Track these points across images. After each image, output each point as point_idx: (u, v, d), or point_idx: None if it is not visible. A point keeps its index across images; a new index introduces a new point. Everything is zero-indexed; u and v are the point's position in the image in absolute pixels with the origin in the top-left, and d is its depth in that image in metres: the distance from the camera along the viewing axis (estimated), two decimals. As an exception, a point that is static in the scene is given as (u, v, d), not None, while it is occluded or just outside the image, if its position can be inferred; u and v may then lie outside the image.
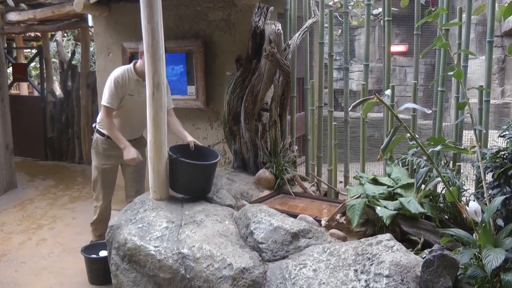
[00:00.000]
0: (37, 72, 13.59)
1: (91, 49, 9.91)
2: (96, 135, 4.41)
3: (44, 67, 9.36)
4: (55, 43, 10.89)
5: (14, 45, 11.40)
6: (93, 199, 4.66)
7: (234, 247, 3.10)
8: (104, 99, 4.13)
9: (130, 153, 4.14)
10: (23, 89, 12.57)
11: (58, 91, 10.20)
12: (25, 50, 12.78)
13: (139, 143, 4.46)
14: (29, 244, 5.07)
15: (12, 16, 6.87)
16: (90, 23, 7.17)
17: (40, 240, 5.14)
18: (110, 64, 5.63)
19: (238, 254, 3.00)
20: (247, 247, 3.14)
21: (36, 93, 10.89)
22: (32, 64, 13.00)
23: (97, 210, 4.55)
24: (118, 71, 4.19)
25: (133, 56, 5.40)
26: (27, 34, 10.42)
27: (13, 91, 12.03)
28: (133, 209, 3.74)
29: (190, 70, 5.11)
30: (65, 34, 12.53)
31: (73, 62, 9.17)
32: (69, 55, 10.24)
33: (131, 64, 4.25)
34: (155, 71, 3.62)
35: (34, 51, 11.84)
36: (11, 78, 10.37)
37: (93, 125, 4.49)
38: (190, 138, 4.15)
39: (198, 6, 5.02)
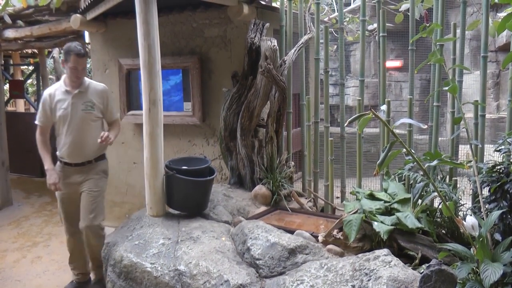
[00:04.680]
0: (34, 88, 13.60)
1: (88, 65, 9.94)
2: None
3: (41, 83, 9.36)
4: (52, 59, 10.91)
5: (11, 62, 11.43)
6: None
7: (231, 263, 3.08)
8: (36, 117, 4.08)
9: (51, 177, 3.93)
10: (20, 105, 12.56)
11: (54, 107, 10.17)
12: (22, 67, 12.80)
13: (89, 170, 4.11)
14: (24, 262, 5.02)
15: (9, 33, 6.88)
16: (87, 39, 7.19)
17: (35, 258, 5.10)
18: (107, 80, 5.64)
19: (235, 271, 2.98)
20: (244, 264, 3.12)
21: (32, 110, 10.89)
22: (29, 81, 13.01)
23: (67, 244, 4.29)
24: (50, 87, 4.10)
25: (129, 72, 5.42)
26: (24, 51, 10.45)
27: (10, 108, 12.03)
28: (129, 225, 3.72)
29: (186, 86, 5.12)
30: (62, 51, 12.56)
31: (70, 79, 9.16)
32: (66, 71, 10.25)
33: (62, 78, 4.09)
34: (152, 87, 3.63)
35: (31, 67, 11.86)
36: (8, 94, 10.38)
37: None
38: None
39: (194, 23, 5.05)
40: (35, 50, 10.08)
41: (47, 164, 3.95)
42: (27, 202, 7.27)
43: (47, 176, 3.94)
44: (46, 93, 4.02)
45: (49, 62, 11.74)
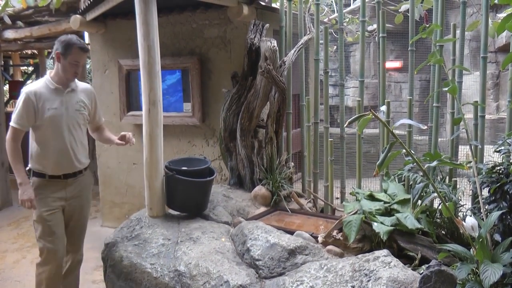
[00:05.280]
0: (33, 89, 13.59)
1: (88, 66, 9.93)
2: (33, 179, 3.41)
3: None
4: (51, 60, 10.91)
5: (11, 63, 11.42)
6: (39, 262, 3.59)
7: (231, 264, 3.08)
8: (13, 119, 3.29)
9: (25, 192, 3.27)
10: (19, 106, 12.56)
11: (54, 108, 10.15)
12: (21, 68, 12.80)
13: (81, 182, 3.56)
14: (24, 262, 5.01)
15: (9, 34, 6.88)
16: (87, 40, 7.19)
17: (35, 259, 5.05)
18: (106, 81, 5.65)
19: (234, 271, 2.98)
20: (243, 264, 3.12)
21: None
22: (29, 82, 13.00)
23: (52, 277, 3.51)
24: (33, 84, 3.41)
25: (129, 73, 5.42)
26: (24, 52, 10.45)
27: (9, 109, 12.00)
28: (129, 226, 3.72)
29: (186, 87, 5.13)
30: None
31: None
32: (66, 72, 10.23)
33: (46, 74, 3.45)
34: (151, 88, 3.63)
35: (31, 68, 11.85)
36: (8, 95, 10.37)
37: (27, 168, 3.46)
38: (118, 136, 3.65)
39: (194, 23, 5.05)
40: (35, 51, 10.08)
41: (22, 177, 3.29)
42: (27, 202, 7.25)
43: (20, 191, 3.28)
44: (28, 91, 3.28)
45: (49, 63, 11.73)
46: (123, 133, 3.65)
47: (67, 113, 3.39)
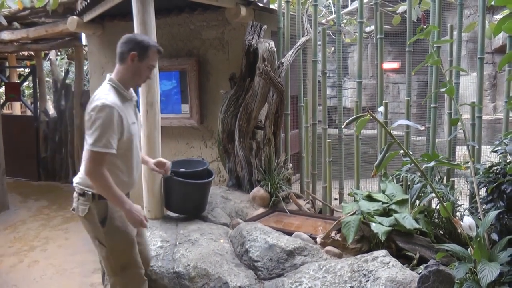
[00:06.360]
0: (30, 91, 13.57)
1: (85, 67, 9.92)
2: (101, 203, 2.70)
3: (38, 86, 9.34)
4: (48, 62, 10.88)
5: (7, 64, 11.40)
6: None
7: (230, 265, 3.08)
8: (99, 142, 2.54)
9: (136, 211, 2.65)
10: (16, 108, 12.54)
11: (51, 110, 10.16)
12: (18, 69, 12.79)
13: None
14: (21, 266, 4.99)
15: (5, 35, 6.88)
16: (84, 41, 7.19)
17: (32, 262, 5.07)
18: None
19: (233, 273, 2.98)
20: (242, 266, 3.12)
21: (29, 113, 10.86)
22: (25, 83, 12.98)
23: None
24: (108, 94, 2.69)
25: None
26: (21, 53, 10.43)
27: (6, 111, 12.01)
28: (127, 228, 3.71)
29: (184, 88, 5.12)
30: (59, 53, 12.54)
31: (67, 81, 9.16)
32: (63, 74, 10.23)
33: (111, 78, 2.89)
34: (149, 89, 3.63)
35: (27, 70, 11.83)
36: (4, 97, 10.36)
37: (79, 188, 2.75)
38: (155, 161, 3.21)
39: (191, 25, 5.05)
40: (31, 52, 10.07)
41: (126, 199, 2.64)
42: (23, 206, 7.23)
43: (132, 214, 2.62)
44: (113, 103, 2.61)
45: (46, 65, 11.71)
46: (161, 159, 3.16)
47: (139, 126, 2.94)
